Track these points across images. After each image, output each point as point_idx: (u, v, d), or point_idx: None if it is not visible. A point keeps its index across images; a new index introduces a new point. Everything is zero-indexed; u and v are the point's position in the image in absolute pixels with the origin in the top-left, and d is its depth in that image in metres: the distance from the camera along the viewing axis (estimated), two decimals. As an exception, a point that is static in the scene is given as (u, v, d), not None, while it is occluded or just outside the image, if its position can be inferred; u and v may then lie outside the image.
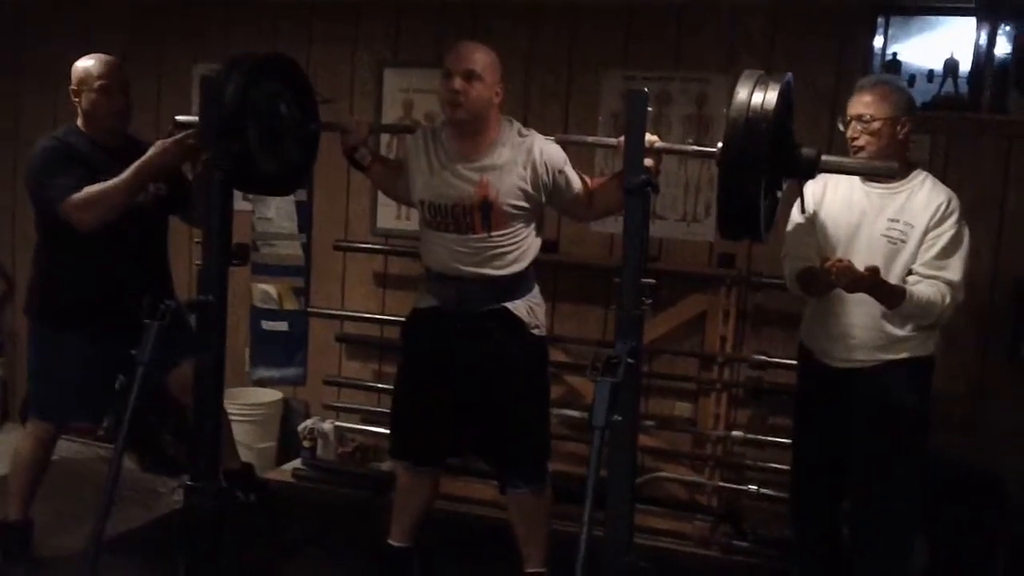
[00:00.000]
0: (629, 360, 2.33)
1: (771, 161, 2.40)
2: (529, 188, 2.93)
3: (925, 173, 2.93)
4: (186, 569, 2.92)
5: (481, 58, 2.89)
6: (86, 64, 3.27)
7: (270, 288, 4.45)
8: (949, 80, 3.76)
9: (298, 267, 4.45)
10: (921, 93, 3.78)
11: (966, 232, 2.86)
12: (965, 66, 3.74)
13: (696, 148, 2.98)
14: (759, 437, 3.92)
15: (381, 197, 4.47)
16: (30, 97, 5.04)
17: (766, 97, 2.38)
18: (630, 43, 4.09)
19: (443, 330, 3.05)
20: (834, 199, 2.96)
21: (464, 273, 2.98)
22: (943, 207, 2.82)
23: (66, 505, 3.78)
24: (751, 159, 2.37)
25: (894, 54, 3.83)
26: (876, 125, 2.81)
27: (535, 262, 3.07)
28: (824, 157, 2.53)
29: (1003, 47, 3.71)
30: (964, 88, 3.76)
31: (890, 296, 2.75)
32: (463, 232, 2.95)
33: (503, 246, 2.96)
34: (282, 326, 4.40)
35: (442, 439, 3.15)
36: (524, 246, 3.00)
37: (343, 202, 4.56)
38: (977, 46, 3.73)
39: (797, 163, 2.52)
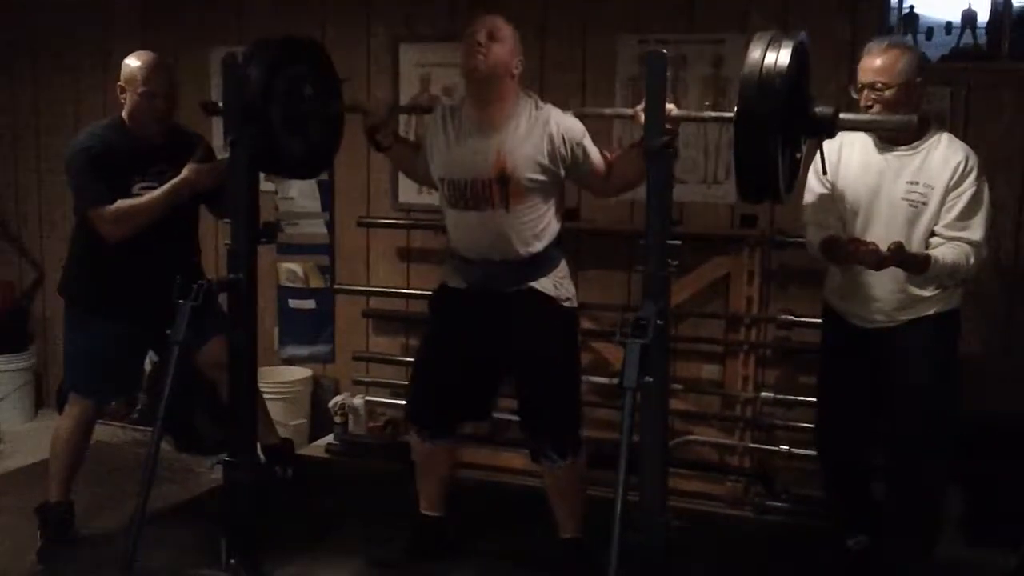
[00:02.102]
0: (658, 321, 2.35)
1: (787, 120, 2.40)
2: (547, 161, 2.93)
3: (941, 131, 2.92)
4: (227, 543, 2.98)
5: (503, 25, 2.93)
6: (133, 65, 3.27)
7: (296, 267, 4.49)
8: (968, 31, 3.74)
9: (322, 245, 4.49)
10: (939, 45, 3.77)
11: (986, 189, 2.85)
12: (983, 17, 3.70)
13: (713, 114, 2.97)
14: (788, 397, 3.93)
15: (402, 172, 4.50)
16: (48, 81, 5.09)
17: (779, 56, 2.37)
18: (643, 7, 4.07)
19: (471, 309, 3.07)
20: (850, 163, 2.95)
21: (487, 255, 3.00)
22: (962, 166, 2.81)
23: (103, 487, 3.85)
24: (766, 119, 2.37)
25: (911, 7, 3.80)
26: (889, 93, 2.80)
27: (560, 236, 3.08)
28: (842, 115, 2.53)
29: (1022, -5, 3.68)
30: (983, 39, 3.73)
31: (916, 265, 2.76)
32: (482, 209, 2.95)
33: (523, 222, 2.96)
34: (309, 304, 4.45)
35: (460, 407, 3.20)
36: (544, 222, 3.01)
37: (364, 178, 4.58)
38: (996, -5, 3.70)
39: (814, 122, 2.52)
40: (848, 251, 2.76)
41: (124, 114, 3.32)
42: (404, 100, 4.43)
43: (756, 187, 2.53)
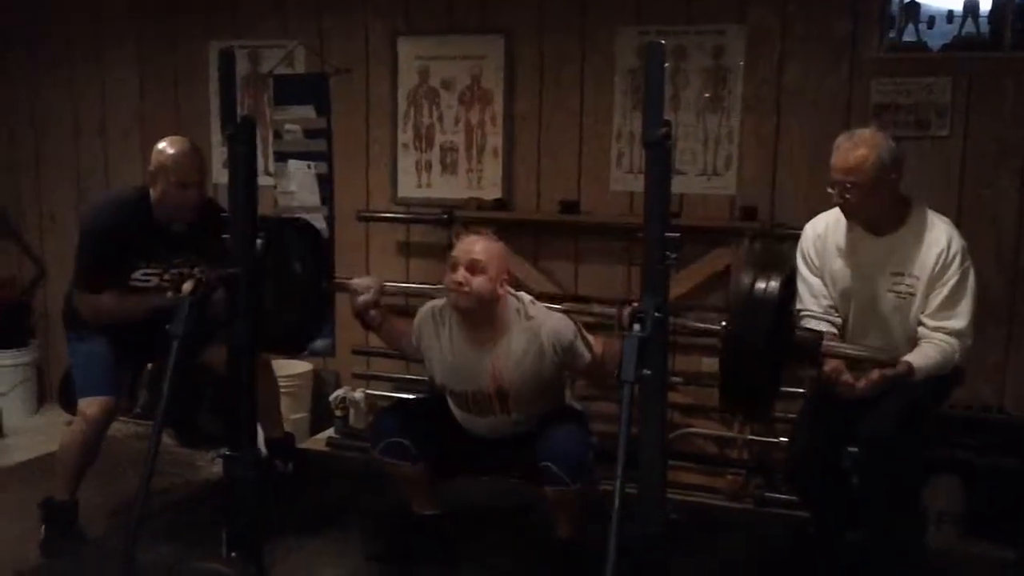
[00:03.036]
0: (656, 314, 2.34)
1: (775, 346, 2.46)
2: (541, 372, 3.02)
3: (922, 210, 2.90)
4: (228, 536, 2.98)
5: (485, 249, 2.97)
6: (166, 154, 3.26)
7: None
8: (970, 20, 3.71)
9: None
10: (941, 34, 3.74)
11: (971, 274, 2.85)
12: (986, 5, 3.68)
13: (702, 326, 3.04)
14: (787, 389, 3.89)
15: (401, 166, 4.50)
16: (44, 76, 5.09)
17: (769, 285, 2.46)
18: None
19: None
20: (834, 254, 2.98)
21: (490, 436, 3.15)
22: (944, 254, 2.82)
23: (106, 481, 3.84)
24: (756, 347, 2.45)
25: (912, -4, 3.78)
26: (859, 192, 2.80)
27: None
28: (825, 343, 2.62)
29: (1024, -16, 3.65)
30: (985, 28, 3.70)
31: (900, 381, 2.77)
32: (484, 415, 3.10)
33: (527, 417, 3.09)
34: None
35: (431, 447, 3.17)
36: (550, 404, 3.12)
37: (363, 173, 4.58)
38: (997, -17, 3.67)
39: (798, 346, 2.61)
40: (823, 381, 2.84)
41: (153, 194, 3.31)
42: (402, 93, 4.44)
43: (739, 405, 2.73)
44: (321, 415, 4.67)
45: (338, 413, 4.55)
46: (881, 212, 2.86)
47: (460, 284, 2.94)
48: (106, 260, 3.26)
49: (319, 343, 4.51)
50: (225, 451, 3.01)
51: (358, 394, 4.55)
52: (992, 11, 3.68)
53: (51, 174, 5.11)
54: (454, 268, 2.97)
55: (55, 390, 4.99)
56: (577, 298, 3.96)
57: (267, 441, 3.71)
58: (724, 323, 2.52)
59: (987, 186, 3.68)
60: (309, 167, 4.28)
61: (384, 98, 4.49)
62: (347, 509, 3.67)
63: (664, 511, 2.58)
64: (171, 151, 3.27)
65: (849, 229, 2.95)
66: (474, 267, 2.94)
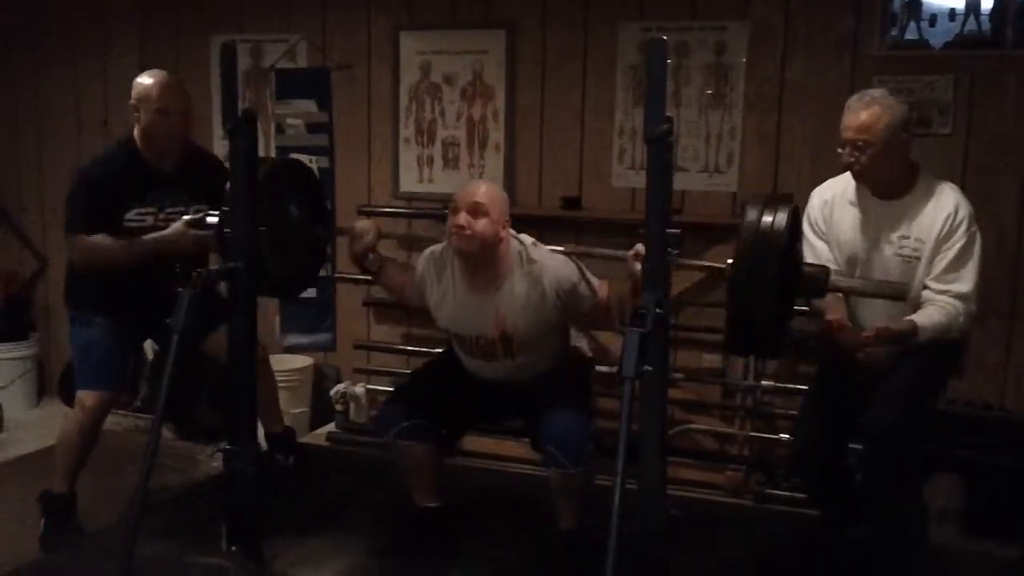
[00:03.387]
0: (657, 310, 2.34)
1: (782, 282, 2.41)
2: (545, 316, 3.00)
3: (930, 178, 2.90)
4: (227, 530, 2.98)
5: (487, 193, 2.96)
6: (147, 84, 3.26)
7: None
8: (971, 18, 3.71)
9: (323, 234, 4.47)
10: (943, 32, 3.74)
11: (977, 239, 2.84)
12: (987, 3, 3.68)
13: (706, 263, 2.97)
14: (788, 386, 3.93)
15: (403, 161, 4.50)
16: (49, 74, 5.09)
17: (776, 219, 2.39)
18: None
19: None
20: (842, 218, 2.97)
21: (496, 381, 3.13)
22: (951, 218, 2.81)
23: (105, 475, 3.84)
24: (763, 281, 2.38)
25: (915, -6, 3.78)
26: (871, 151, 2.78)
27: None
28: (833, 277, 2.56)
29: (1026, -18, 3.65)
30: (987, 26, 3.70)
31: (903, 340, 2.76)
32: (489, 360, 3.09)
33: (532, 363, 3.09)
34: (310, 293, 4.44)
35: (436, 421, 3.19)
36: (555, 352, 3.13)
37: (365, 167, 4.58)
38: (999, -18, 3.67)
39: (805, 283, 2.54)
40: (824, 336, 2.82)
41: (136, 134, 3.30)
42: (404, 88, 4.44)
43: (747, 345, 2.63)
44: (322, 410, 4.67)
45: (339, 408, 4.55)
46: (890, 175, 2.84)
47: (462, 228, 2.91)
48: (98, 202, 3.20)
49: (321, 337, 4.54)
50: (225, 445, 3.01)
51: (359, 389, 4.55)
52: (994, 9, 3.67)
53: (53, 169, 5.11)
54: (455, 212, 2.94)
55: (55, 384, 5.00)
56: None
57: (267, 436, 3.72)
58: (729, 260, 2.46)
59: (989, 183, 3.68)
60: (311, 161, 4.27)
61: (386, 93, 4.49)
62: (348, 504, 3.67)
63: (664, 507, 2.58)
64: (151, 80, 3.26)
65: (857, 194, 2.94)
66: (476, 210, 2.91)
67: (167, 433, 4.40)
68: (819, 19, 3.82)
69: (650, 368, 2.32)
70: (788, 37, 3.88)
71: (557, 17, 4.19)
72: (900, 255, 2.86)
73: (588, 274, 3.01)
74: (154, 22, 4.78)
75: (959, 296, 2.79)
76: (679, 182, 3.87)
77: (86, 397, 3.34)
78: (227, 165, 3.06)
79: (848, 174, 2.92)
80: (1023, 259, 3.71)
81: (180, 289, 2.74)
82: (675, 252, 2.54)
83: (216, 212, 2.98)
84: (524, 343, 3.03)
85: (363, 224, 3.24)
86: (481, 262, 3.00)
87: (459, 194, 2.99)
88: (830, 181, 3.05)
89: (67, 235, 3.26)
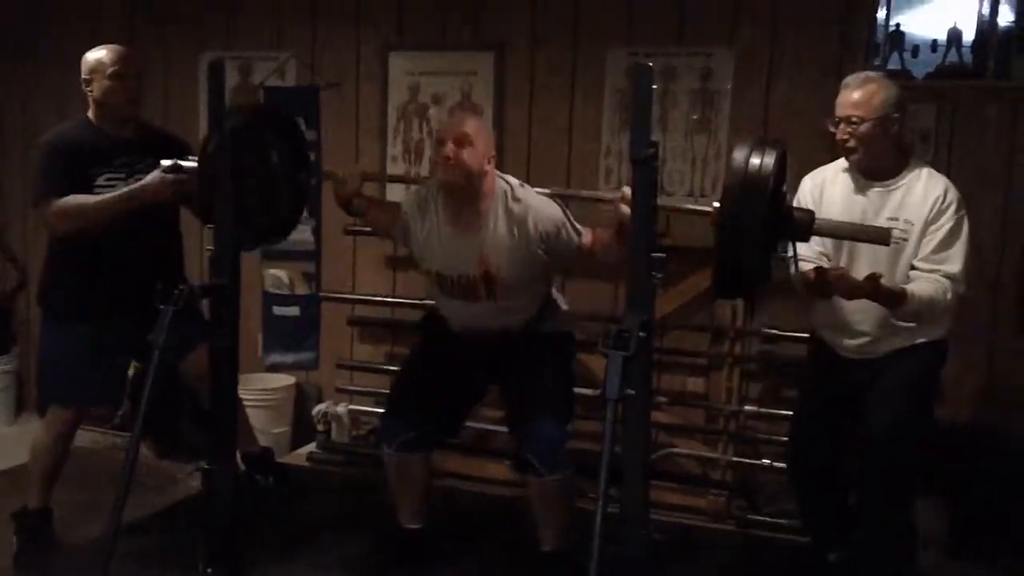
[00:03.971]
0: (641, 333, 2.34)
1: (768, 224, 2.41)
2: (528, 256, 2.97)
3: (921, 165, 2.93)
4: (206, 551, 2.96)
5: (473, 125, 2.95)
6: (98, 54, 3.26)
7: (281, 273, 4.46)
8: (953, 49, 3.76)
9: (308, 252, 4.46)
10: (925, 63, 3.78)
11: (965, 222, 2.86)
12: (969, 35, 3.73)
13: (692, 207, 3.01)
14: (771, 411, 3.93)
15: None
16: (37, 88, 5.08)
17: (763, 161, 2.39)
18: (634, 20, 4.08)
19: (463, 343, 3.13)
20: (832, 201, 2.97)
21: (476, 328, 3.08)
22: (940, 200, 2.83)
23: (84, 494, 3.81)
24: (749, 222, 2.37)
25: (897, 24, 3.81)
26: (863, 127, 2.81)
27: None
28: (818, 220, 2.56)
29: (1006, 14, 3.69)
30: (968, 57, 3.75)
31: (890, 300, 2.77)
32: (470, 300, 3.04)
33: (512, 308, 3.05)
34: (294, 311, 4.42)
35: (435, 423, 3.18)
36: (536, 299, 3.10)
37: (351, 186, 4.57)
38: (980, 14, 3.71)
39: (792, 226, 2.54)
40: (817, 281, 2.77)
41: (91, 110, 3.28)
42: (392, 107, 4.45)
43: (733, 287, 2.58)
44: (303, 429, 4.64)
45: (320, 428, 4.52)
46: (883, 156, 2.86)
47: (447, 158, 2.88)
48: (67, 164, 3.14)
49: (303, 355, 4.52)
50: (204, 464, 2.99)
51: (341, 408, 4.53)
52: (975, 41, 3.72)
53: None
54: (441, 143, 2.92)
55: (34, 399, 4.95)
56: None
57: (243, 456, 3.68)
58: (716, 203, 2.46)
59: (970, 212, 3.69)
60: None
61: (374, 112, 4.50)
62: (328, 525, 3.65)
63: (647, 531, 2.58)
64: (101, 51, 3.26)
65: (848, 177, 2.95)
66: (461, 141, 2.88)
67: (147, 452, 4.37)
68: (804, 47, 3.86)
69: (633, 391, 2.33)
70: (773, 64, 3.91)
71: (546, 40, 4.21)
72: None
73: (572, 219, 3.00)
74: (143, 39, 4.78)
75: (947, 275, 2.80)
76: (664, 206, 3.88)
77: (52, 412, 3.32)
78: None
79: (839, 161, 2.95)
80: (1002, 286, 3.73)
81: (160, 306, 2.73)
82: (658, 276, 2.56)
83: (193, 158, 2.96)
84: (506, 284, 2.97)
85: (348, 169, 3.22)
86: (466, 198, 2.96)
87: (444, 126, 2.96)
88: (821, 167, 3.07)
89: (41, 204, 3.14)
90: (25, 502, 3.37)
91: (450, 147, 2.88)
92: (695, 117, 4.01)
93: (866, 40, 3.78)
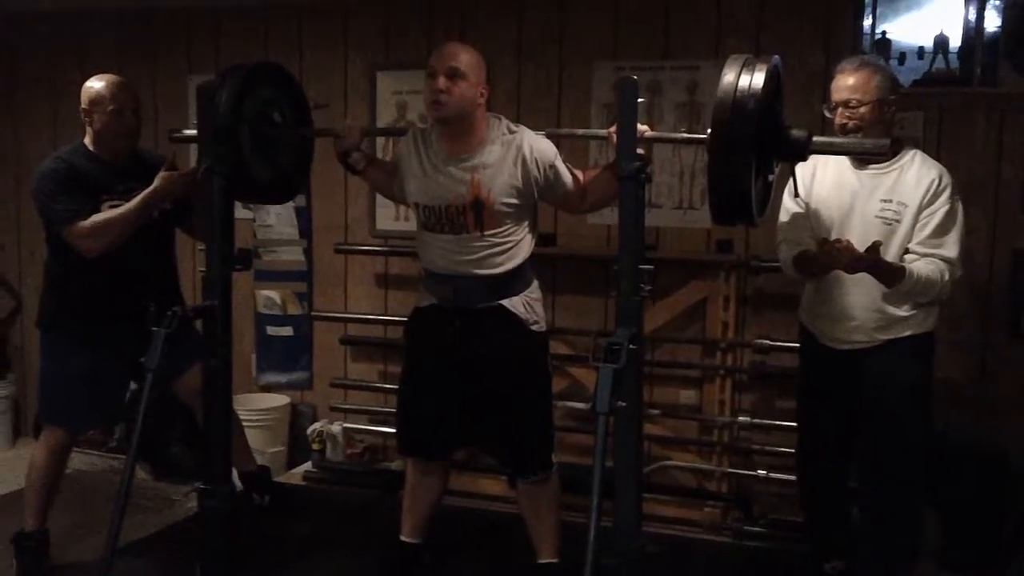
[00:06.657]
0: (630, 346, 2.35)
1: (761, 143, 2.39)
2: (520, 185, 2.94)
3: (915, 150, 2.94)
4: (201, 571, 2.95)
5: (465, 57, 2.90)
6: (97, 87, 3.28)
7: (274, 294, 4.49)
8: (940, 56, 3.78)
9: (300, 272, 4.49)
10: (912, 70, 3.81)
11: (960, 207, 2.86)
12: (955, 42, 3.75)
13: (686, 136, 2.99)
14: (765, 422, 3.94)
15: (379, 199, 4.51)
16: (28, 111, 5.10)
17: (753, 79, 2.38)
18: (619, 35, 4.11)
19: (443, 327, 3.07)
20: (824, 183, 2.97)
21: (460, 272, 3.01)
22: (935, 184, 2.83)
23: (80, 516, 3.81)
24: (739, 140, 2.36)
25: (883, 32, 3.84)
26: (862, 110, 2.82)
27: (532, 257, 3.09)
28: (815, 138, 2.53)
29: (992, 21, 3.72)
30: (955, 64, 3.77)
31: (890, 275, 2.77)
32: (457, 232, 2.98)
33: (497, 245, 2.98)
34: (287, 331, 4.44)
35: (448, 433, 3.17)
36: (518, 243, 3.02)
37: (342, 206, 4.59)
38: (966, 21, 3.74)
39: (787, 145, 2.52)
40: (822, 251, 2.76)
41: (89, 138, 3.31)
42: (380, 126, 4.46)
43: (729, 210, 2.51)
44: (298, 448, 4.64)
45: (315, 446, 4.51)
46: (879, 138, 2.83)
47: (440, 91, 2.86)
48: (75, 188, 3.19)
49: (297, 375, 4.53)
50: (200, 484, 2.99)
51: (335, 427, 4.52)
52: (962, 48, 3.75)
53: (30, 209, 5.06)
54: (433, 76, 2.88)
55: (31, 424, 4.95)
56: (554, 330, 3.95)
57: (241, 475, 3.68)
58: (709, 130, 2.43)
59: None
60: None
61: (363, 131, 4.51)
62: (324, 544, 3.64)
63: (640, 544, 2.58)
64: (101, 83, 3.28)
65: (841, 161, 2.95)
66: (454, 73, 2.86)
67: (143, 474, 4.37)
68: (790, 56, 3.87)
69: (623, 404, 2.33)
70: (760, 75, 3.93)
71: (532, 56, 4.24)
72: (881, 217, 2.86)
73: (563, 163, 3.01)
74: (132, 62, 4.80)
75: (944, 259, 2.81)
76: (653, 218, 3.90)
77: (48, 432, 3.34)
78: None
79: None
80: (993, 294, 3.75)
81: (154, 329, 2.74)
82: (647, 289, 2.57)
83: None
84: (495, 213, 2.93)
85: (348, 123, 3.22)
86: (460, 128, 2.94)
87: (435, 58, 2.91)
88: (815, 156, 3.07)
89: (67, 228, 3.17)
90: (23, 525, 3.36)
91: (442, 81, 2.86)
92: (683, 130, 4.03)
93: (851, 48, 3.81)
